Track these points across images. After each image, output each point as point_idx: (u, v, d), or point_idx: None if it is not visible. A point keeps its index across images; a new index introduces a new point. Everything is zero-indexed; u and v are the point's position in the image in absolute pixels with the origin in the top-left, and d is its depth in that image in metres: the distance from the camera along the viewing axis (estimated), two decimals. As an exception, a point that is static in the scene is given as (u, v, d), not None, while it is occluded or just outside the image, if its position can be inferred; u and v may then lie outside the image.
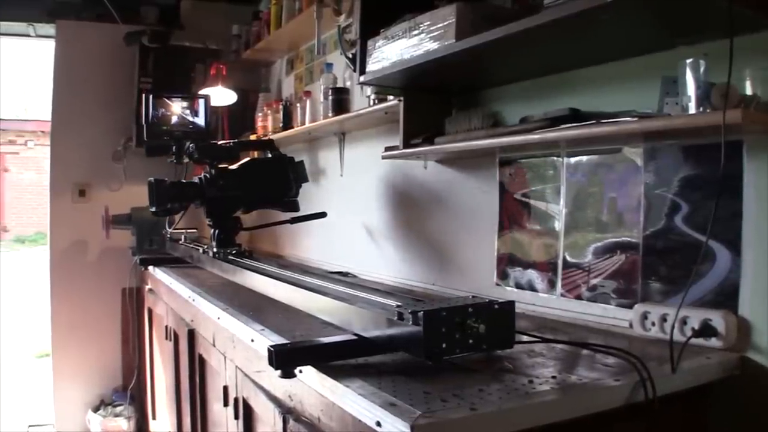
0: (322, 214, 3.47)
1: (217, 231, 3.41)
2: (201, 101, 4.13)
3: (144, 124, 4.00)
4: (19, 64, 31.14)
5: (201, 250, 3.59)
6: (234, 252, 3.35)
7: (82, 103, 5.12)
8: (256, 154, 4.01)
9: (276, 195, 3.46)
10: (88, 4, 5.06)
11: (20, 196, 22.09)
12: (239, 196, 3.40)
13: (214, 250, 3.38)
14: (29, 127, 22.27)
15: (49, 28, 5.22)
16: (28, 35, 5.54)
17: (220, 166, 3.40)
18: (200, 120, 4.08)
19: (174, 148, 3.68)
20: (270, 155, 3.62)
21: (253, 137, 4.26)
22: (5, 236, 21.85)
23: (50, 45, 5.21)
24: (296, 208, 3.48)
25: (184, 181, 3.44)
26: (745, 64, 1.60)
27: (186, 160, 3.63)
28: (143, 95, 4.10)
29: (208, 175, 3.34)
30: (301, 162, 3.51)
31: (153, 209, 3.22)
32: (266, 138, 4.13)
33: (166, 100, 4.03)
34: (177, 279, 3.37)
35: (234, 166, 3.41)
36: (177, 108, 4.07)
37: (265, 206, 3.72)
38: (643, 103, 1.86)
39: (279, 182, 3.43)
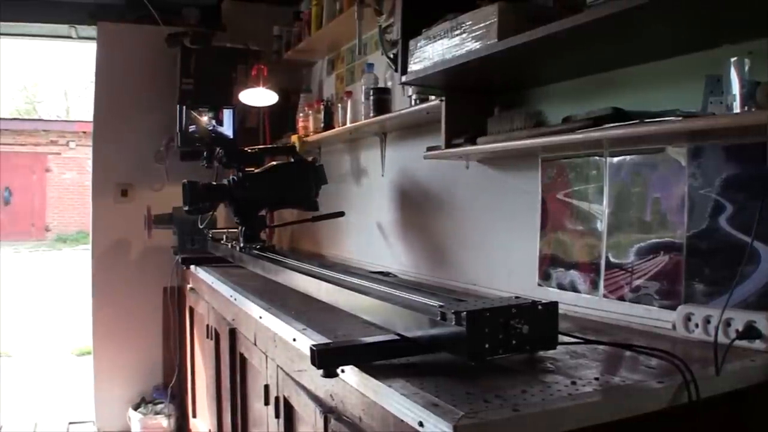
0: (341, 214, 3.88)
1: (243, 228, 3.75)
2: (227, 112, 4.56)
3: (178, 132, 4.49)
4: (61, 66, 31.62)
5: (229, 245, 3.99)
6: (258, 247, 3.66)
7: (124, 104, 5.17)
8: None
9: (297, 196, 3.81)
10: (130, 6, 5.09)
11: (62, 196, 22.37)
12: (263, 196, 3.77)
13: (241, 245, 3.73)
14: (71, 128, 22.54)
15: (91, 30, 5.26)
16: (70, 37, 5.60)
17: (247, 169, 3.70)
18: (226, 128, 4.58)
19: (205, 153, 3.92)
20: (292, 160, 3.90)
21: (294, 137, 4.29)
22: (47, 235, 22.10)
23: (92, 47, 5.25)
24: (316, 208, 3.83)
25: (214, 183, 3.74)
26: (791, 63, 1.58)
27: (216, 164, 3.85)
28: (178, 106, 4.52)
29: (235, 177, 3.65)
30: (321, 166, 3.83)
31: (186, 208, 3.60)
32: (289, 144, 4.37)
33: (193, 113, 4.29)
34: (218, 278, 3.40)
35: (259, 170, 3.73)
36: (205, 118, 4.27)
37: (288, 206, 4.25)
38: (687, 102, 1.84)
39: (300, 184, 3.76)
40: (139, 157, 5.20)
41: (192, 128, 4.60)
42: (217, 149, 3.84)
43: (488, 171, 2.84)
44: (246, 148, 3.98)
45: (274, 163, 3.89)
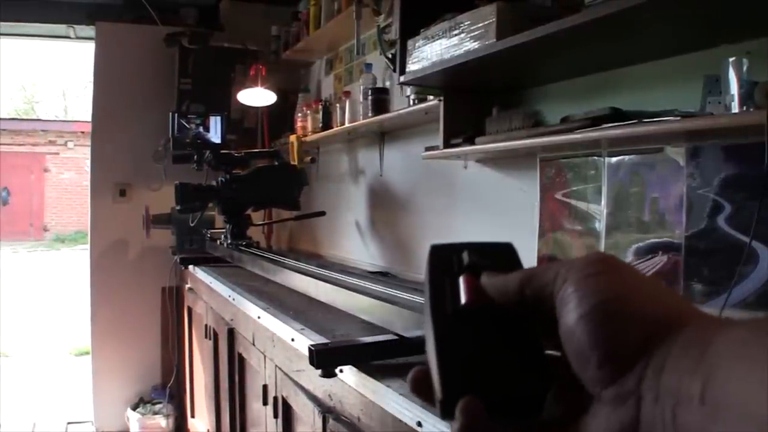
0: (322, 213, 4.12)
1: (230, 226, 4.07)
2: (213, 119, 4.79)
3: (170, 138, 4.72)
4: (59, 66, 31.61)
5: (218, 241, 4.20)
6: (244, 244, 3.97)
7: (122, 104, 5.16)
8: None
9: (280, 197, 4.09)
10: (128, 6, 5.09)
11: (60, 196, 22.38)
12: (249, 197, 4.07)
13: (228, 241, 4.03)
14: (69, 128, 22.55)
15: (89, 30, 5.26)
16: (68, 37, 5.60)
17: (234, 171, 3.99)
18: (212, 135, 4.79)
19: (195, 156, 4.18)
20: (276, 163, 4.17)
21: (292, 137, 4.30)
22: (45, 236, 22.10)
23: (90, 47, 5.25)
24: (298, 207, 4.12)
25: (204, 184, 3.98)
26: (790, 63, 1.58)
27: (206, 166, 4.15)
28: (170, 113, 4.74)
29: (223, 179, 3.91)
30: (303, 169, 4.18)
31: (178, 207, 3.91)
32: (273, 149, 4.68)
33: (181, 120, 4.71)
34: (217, 278, 3.40)
35: (245, 172, 4.10)
36: (192, 125, 4.56)
37: (271, 206, 4.69)
38: (686, 102, 1.84)
39: (283, 186, 4.02)
40: (137, 157, 5.18)
41: (178, 134, 4.67)
42: (206, 153, 4.09)
43: (487, 171, 2.84)
44: (233, 152, 4.23)
45: (259, 165, 4.16)
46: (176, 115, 4.70)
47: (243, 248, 3.75)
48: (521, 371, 0.47)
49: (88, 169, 5.50)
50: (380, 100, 3.38)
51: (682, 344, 0.41)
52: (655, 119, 1.76)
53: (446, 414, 0.46)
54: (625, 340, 0.42)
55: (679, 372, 0.40)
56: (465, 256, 0.54)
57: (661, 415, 0.40)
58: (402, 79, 2.60)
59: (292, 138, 4.33)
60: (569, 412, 0.47)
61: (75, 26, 5.34)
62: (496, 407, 0.46)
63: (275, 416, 2.38)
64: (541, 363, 0.48)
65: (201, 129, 4.70)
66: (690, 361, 0.39)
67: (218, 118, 4.76)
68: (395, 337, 1.72)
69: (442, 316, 0.51)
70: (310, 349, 1.65)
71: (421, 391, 0.51)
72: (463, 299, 0.51)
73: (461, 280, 0.52)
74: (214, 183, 3.94)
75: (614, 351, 0.43)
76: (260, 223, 4.67)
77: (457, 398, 0.45)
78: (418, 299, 1.75)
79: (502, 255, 0.54)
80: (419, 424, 1.32)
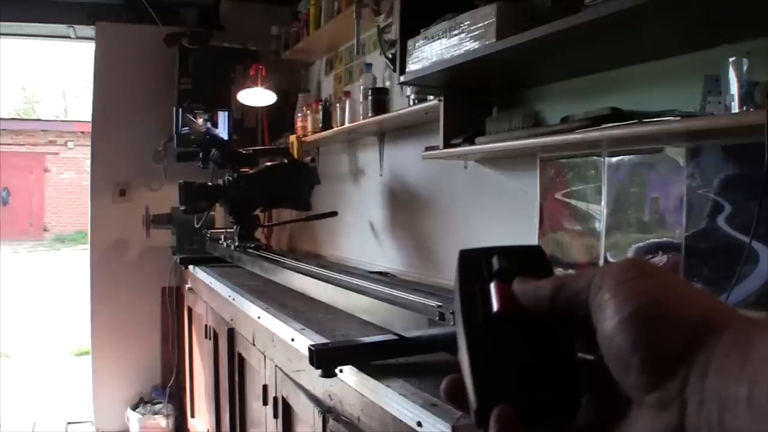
0: (333, 213, 3.94)
1: (238, 227, 3.86)
2: (221, 114, 4.72)
3: (174, 135, 4.63)
4: (59, 66, 31.61)
5: (224, 244, 4.03)
6: (253, 246, 3.79)
7: (123, 104, 5.16)
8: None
9: (290, 196, 3.93)
10: (128, 6, 5.09)
11: (60, 196, 22.38)
12: (257, 196, 3.91)
13: (236, 244, 3.83)
14: (69, 128, 22.57)
15: (90, 30, 5.25)
16: (68, 37, 5.59)
17: (242, 170, 3.82)
18: (220, 131, 4.72)
19: (200, 154, 4.04)
20: (286, 161, 4.01)
21: (292, 137, 4.30)
22: (45, 236, 22.10)
23: (90, 47, 5.25)
24: (309, 208, 3.94)
25: (209, 183, 3.83)
26: (790, 63, 1.58)
27: (212, 165, 3.97)
28: (174, 108, 4.65)
29: (230, 178, 3.75)
30: (314, 167, 4.04)
31: (182, 207, 3.74)
32: (282, 146, 4.49)
33: (188, 115, 4.62)
34: (217, 278, 3.40)
35: (253, 171, 3.91)
36: (200, 120, 4.44)
37: (281, 206, 4.46)
38: (685, 102, 1.84)
39: (293, 185, 3.86)
40: (137, 157, 5.18)
41: (185, 130, 4.63)
42: (213, 150, 3.93)
43: (487, 171, 2.84)
44: (240, 150, 4.07)
45: (268, 164, 3.99)
46: (182, 110, 4.68)
47: (254, 251, 3.65)
48: (554, 378, 0.47)
49: (88, 169, 5.49)
50: (380, 100, 3.38)
51: (724, 347, 0.41)
52: (655, 119, 1.76)
53: (481, 422, 0.46)
54: (666, 344, 0.43)
55: (724, 376, 0.40)
56: (495, 261, 0.54)
57: (707, 419, 0.40)
58: (402, 79, 2.60)
59: (292, 138, 4.32)
60: (604, 418, 0.47)
61: (75, 26, 5.33)
62: (530, 415, 0.46)
63: (275, 416, 2.38)
64: (574, 369, 0.48)
65: (209, 124, 4.69)
66: (734, 365, 0.40)
67: (226, 114, 4.75)
68: (395, 337, 1.73)
69: (474, 324, 0.51)
70: (310, 349, 1.65)
71: (456, 399, 0.51)
72: (494, 306, 0.51)
73: (492, 286, 0.52)
74: (220, 182, 3.85)
75: (656, 356, 0.43)
76: (270, 224, 4.64)
77: (491, 406, 0.46)
78: (419, 299, 1.75)
79: (532, 259, 0.55)
80: (419, 424, 1.32)
